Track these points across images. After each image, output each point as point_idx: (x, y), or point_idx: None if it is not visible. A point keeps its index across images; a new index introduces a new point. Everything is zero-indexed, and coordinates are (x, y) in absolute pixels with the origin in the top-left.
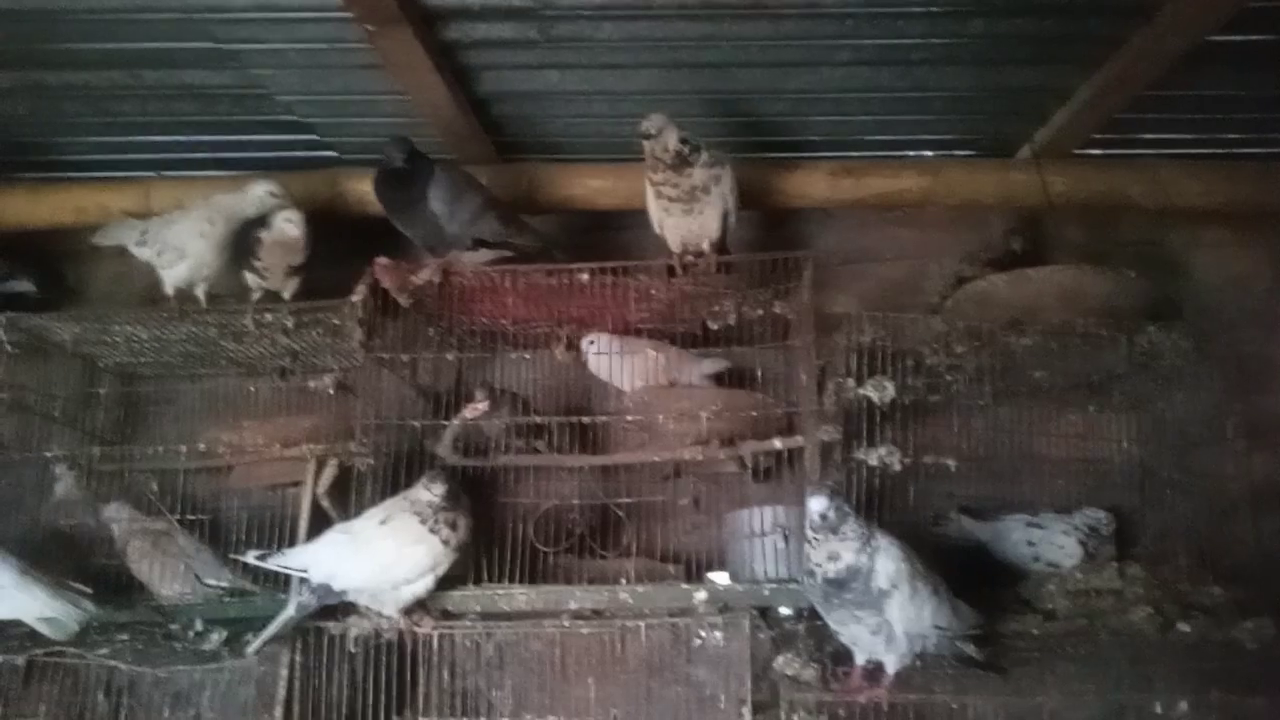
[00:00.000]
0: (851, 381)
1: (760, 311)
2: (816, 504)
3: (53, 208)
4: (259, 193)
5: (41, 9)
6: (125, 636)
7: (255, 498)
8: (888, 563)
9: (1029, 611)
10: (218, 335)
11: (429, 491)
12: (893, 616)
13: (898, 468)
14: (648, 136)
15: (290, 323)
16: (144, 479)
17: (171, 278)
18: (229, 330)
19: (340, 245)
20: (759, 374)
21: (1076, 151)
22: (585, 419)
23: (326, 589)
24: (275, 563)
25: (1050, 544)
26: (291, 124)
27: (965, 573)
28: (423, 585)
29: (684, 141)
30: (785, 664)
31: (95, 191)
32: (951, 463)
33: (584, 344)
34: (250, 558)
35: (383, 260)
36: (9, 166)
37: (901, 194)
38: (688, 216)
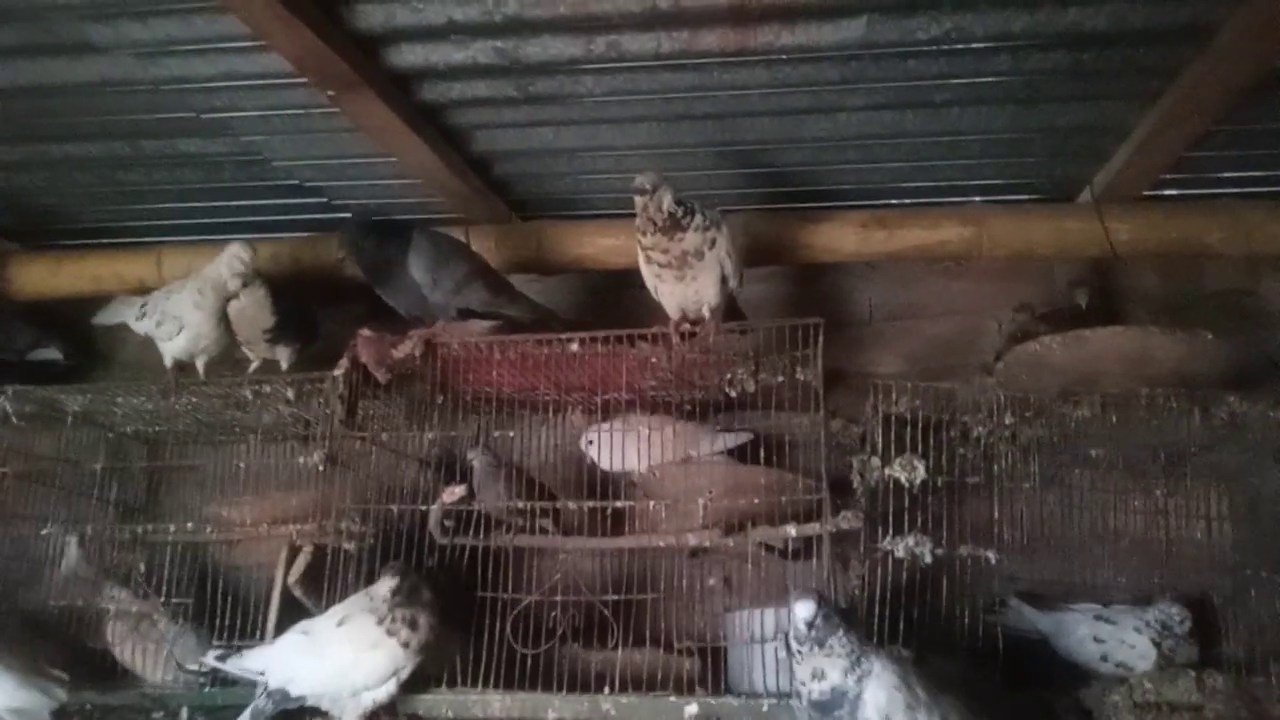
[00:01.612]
0: (877, 460)
1: (781, 378)
2: (802, 610)
3: (71, 277)
4: (225, 261)
5: (29, 85)
6: None
7: (253, 575)
8: (878, 692)
9: None
10: (221, 406)
11: (385, 588)
12: None
13: (928, 559)
14: (642, 192)
15: (290, 394)
16: (133, 557)
17: (171, 350)
18: (232, 401)
19: (353, 311)
20: (789, 444)
21: (1147, 194)
22: (570, 504)
23: (284, 694)
24: (233, 665)
25: (1120, 643)
26: (300, 188)
27: (1024, 670)
28: (384, 691)
29: (678, 203)
30: None
31: (110, 260)
32: (992, 554)
33: (582, 443)
34: (211, 658)
35: (365, 332)
36: (33, 236)
37: (941, 246)
38: (680, 283)
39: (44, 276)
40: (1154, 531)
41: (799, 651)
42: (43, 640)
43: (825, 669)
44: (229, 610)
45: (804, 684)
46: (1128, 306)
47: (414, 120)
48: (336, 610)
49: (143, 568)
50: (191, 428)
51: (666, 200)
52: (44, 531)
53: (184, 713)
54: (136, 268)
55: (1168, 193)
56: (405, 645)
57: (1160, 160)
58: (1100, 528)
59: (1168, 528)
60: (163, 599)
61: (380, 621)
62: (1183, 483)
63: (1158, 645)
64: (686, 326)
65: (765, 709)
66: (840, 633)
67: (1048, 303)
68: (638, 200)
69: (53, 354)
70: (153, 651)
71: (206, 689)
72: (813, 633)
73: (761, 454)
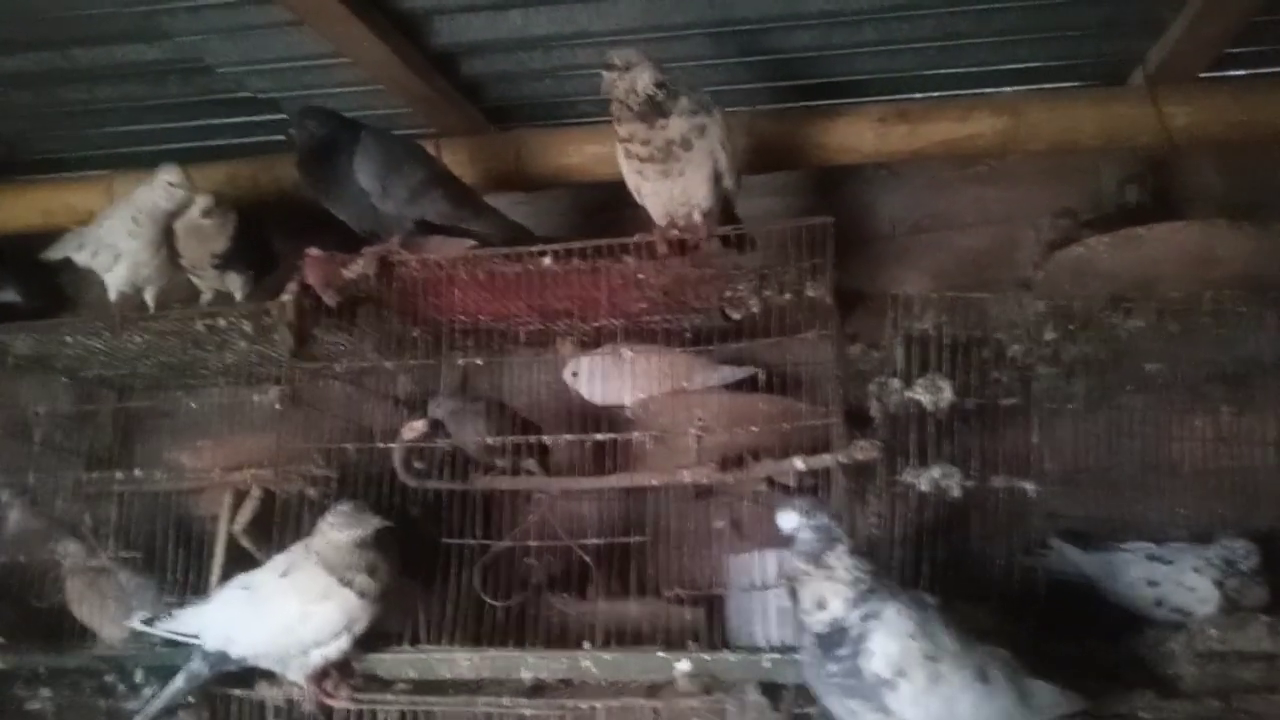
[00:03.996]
0: (897, 382)
1: (788, 296)
2: (784, 520)
3: (21, 210)
4: (160, 182)
5: None
6: (49, 692)
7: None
8: (888, 642)
9: (1144, 683)
10: (180, 345)
11: (336, 531)
12: (905, 715)
13: (957, 493)
14: (611, 68)
15: (248, 326)
16: (79, 509)
17: (113, 281)
18: (189, 338)
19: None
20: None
21: (1206, 73)
22: (547, 438)
23: (222, 656)
24: (164, 628)
25: (1177, 584)
26: (255, 101)
27: (1068, 618)
28: (335, 647)
29: (660, 85)
30: None
31: (59, 191)
32: (1030, 486)
33: (566, 375)
34: (136, 621)
35: (313, 252)
36: None
37: (971, 141)
38: (666, 180)
39: None
40: (1218, 459)
41: (802, 574)
42: None
43: (827, 596)
44: (190, 564)
45: (807, 614)
46: (1187, 206)
47: (357, 4)
48: (279, 560)
49: (89, 519)
50: (154, 370)
51: (643, 80)
52: None
53: (138, 674)
54: (87, 198)
55: (1235, 72)
56: (363, 595)
57: (1222, 31)
58: (1156, 456)
59: (1234, 455)
60: (116, 552)
61: (332, 571)
62: (1252, 403)
63: (1220, 586)
64: (674, 233)
65: (767, 664)
66: (841, 550)
67: (1093, 207)
68: (607, 78)
69: (10, 296)
70: (111, 609)
71: (158, 649)
72: (803, 546)
73: (771, 385)
